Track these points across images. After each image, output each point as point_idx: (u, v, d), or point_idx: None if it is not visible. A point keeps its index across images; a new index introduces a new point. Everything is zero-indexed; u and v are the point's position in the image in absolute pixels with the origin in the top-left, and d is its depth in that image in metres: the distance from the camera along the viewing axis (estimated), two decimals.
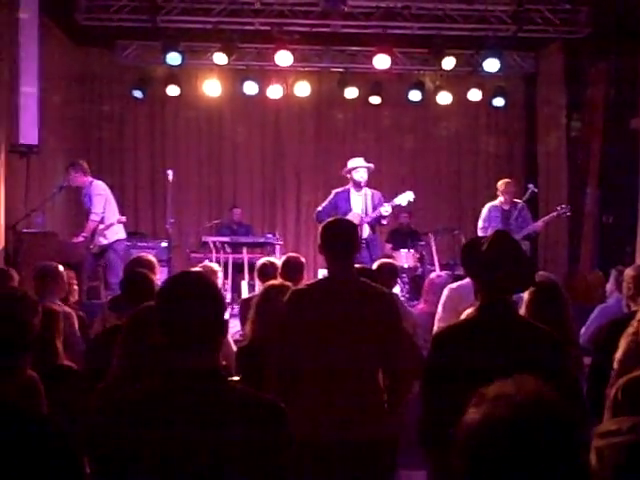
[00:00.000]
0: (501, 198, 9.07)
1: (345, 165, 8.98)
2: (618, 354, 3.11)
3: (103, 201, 8.72)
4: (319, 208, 8.77)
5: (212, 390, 2.11)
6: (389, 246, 10.58)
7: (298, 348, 3.40)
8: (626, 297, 4.66)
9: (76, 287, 6.12)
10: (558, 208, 9.28)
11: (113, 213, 8.83)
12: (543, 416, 1.38)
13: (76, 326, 5.00)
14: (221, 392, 2.12)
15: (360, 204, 8.57)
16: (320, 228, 3.64)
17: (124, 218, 9.11)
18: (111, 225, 8.72)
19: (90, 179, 8.82)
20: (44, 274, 5.31)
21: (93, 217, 8.63)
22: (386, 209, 8.44)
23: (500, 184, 9.20)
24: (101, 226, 8.66)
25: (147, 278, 4.48)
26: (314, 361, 3.39)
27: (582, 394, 2.89)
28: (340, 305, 3.41)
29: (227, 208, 11.91)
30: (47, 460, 2.04)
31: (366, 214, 8.50)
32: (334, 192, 8.80)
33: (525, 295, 3.08)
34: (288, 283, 4.23)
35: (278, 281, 4.47)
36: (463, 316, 3.59)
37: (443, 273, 7.38)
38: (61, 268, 5.40)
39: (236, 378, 3.44)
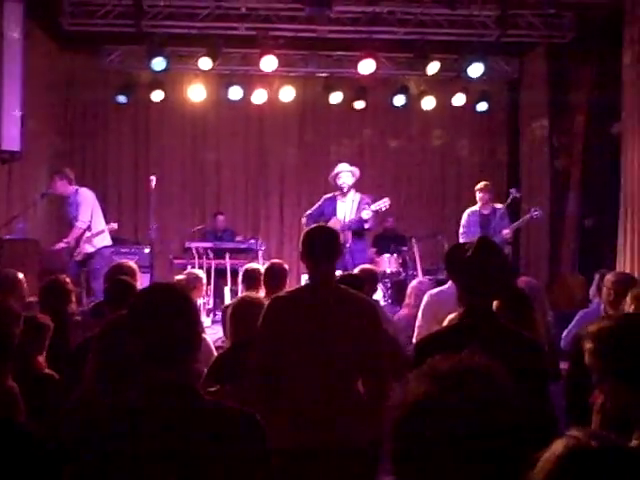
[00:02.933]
0: (479, 202, 9.15)
1: (332, 170, 9.05)
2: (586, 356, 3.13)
3: (90, 209, 8.69)
4: (307, 212, 8.84)
5: (185, 405, 2.09)
6: (373, 250, 10.61)
7: (278, 354, 3.41)
8: (606, 302, 4.69)
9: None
10: (531, 210, 9.36)
11: (99, 220, 8.81)
12: (473, 393, 1.35)
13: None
14: (192, 407, 2.11)
15: (345, 209, 8.61)
16: (302, 235, 3.66)
17: (115, 225, 9.09)
18: (101, 232, 8.70)
19: (75, 187, 8.79)
20: (1, 282, 5.30)
21: (79, 225, 8.59)
22: (367, 213, 8.48)
23: (477, 187, 9.29)
24: (88, 234, 8.63)
25: (129, 285, 4.49)
26: (294, 367, 3.40)
27: (550, 403, 2.90)
28: (320, 312, 3.43)
29: (210, 213, 11.90)
30: (26, 469, 2.05)
31: (350, 219, 8.54)
32: (323, 198, 8.88)
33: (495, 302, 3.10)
34: (258, 296, 4.25)
35: (247, 295, 4.48)
36: (446, 322, 3.61)
37: (425, 279, 7.41)
38: (20, 275, 5.39)
39: (213, 389, 3.44)
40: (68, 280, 5.43)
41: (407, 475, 1.35)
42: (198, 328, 2.24)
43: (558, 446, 1.33)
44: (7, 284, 5.30)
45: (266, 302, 4.09)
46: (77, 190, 8.78)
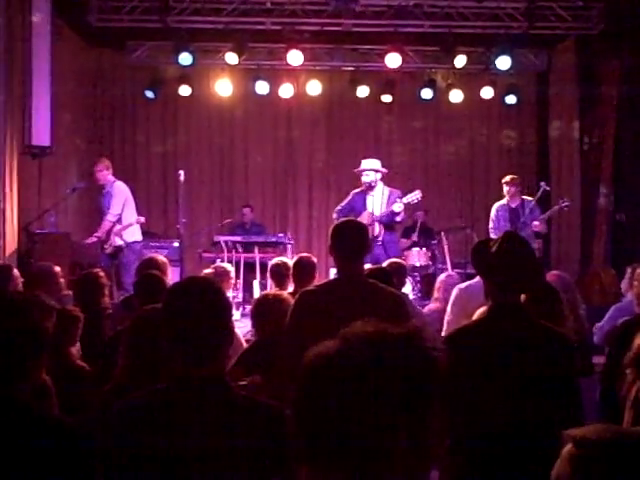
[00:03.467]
0: (506, 195, 9.10)
1: (357, 166, 9.06)
2: (630, 354, 3.09)
3: (122, 202, 8.74)
4: (338, 207, 8.87)
5: (216, 398, 2.11)
6: (404, 240, 10.57)
7: (306, 349, 3.41)
8: (637, 296, 4.64)
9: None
10: (560, 201, 9.30)
11: (131, 214, 8.85)
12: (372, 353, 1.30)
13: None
14: (226, 400, 2.12)
15: (375, 203, 8.61)
16: (330, 229, 3.66)
17: (143, 219, 9.14)
18: (129, 225, 8.75)
19: (113, 179, 8.87)
20: (39, 276, 5.35)
21: (109, 217, 8.66)
22: (398, 206, 8.48)
23: (503, 180, 9.24)
24: (118, 226, 8.69)
25: (159, 279, 4.53)
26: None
27: (579, 400, 2.88)
28: (348, 306, 3.42)
29: (239, 207, 11.93)
30: (60, 461, 2.07)
31: (380, 212, 8.54)
32: (352, 192, 8.91)
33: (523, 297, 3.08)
34: (282, 293, 4.27)
35: (272, 291, 4.50)
36: (475, 316, 3.60)
37: (454, 273, 7.38)
38: (57, 269, 5.44)
39: (244, 382, 3.45)
40: (102, 274, 5.48)
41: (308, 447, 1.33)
42: (231, 322, 2.25)
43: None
44: (43, 277, 5.36)
45: (290, 297, 4.11)
46: (114, 182, 8.86)
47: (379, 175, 8.81)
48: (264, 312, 4.09)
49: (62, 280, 5.55)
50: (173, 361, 2.16)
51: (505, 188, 9.12)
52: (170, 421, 2.07)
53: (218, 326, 2.17)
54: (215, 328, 2.16)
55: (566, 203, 9.24)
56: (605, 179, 10.74)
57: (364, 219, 8.05)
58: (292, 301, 3.86)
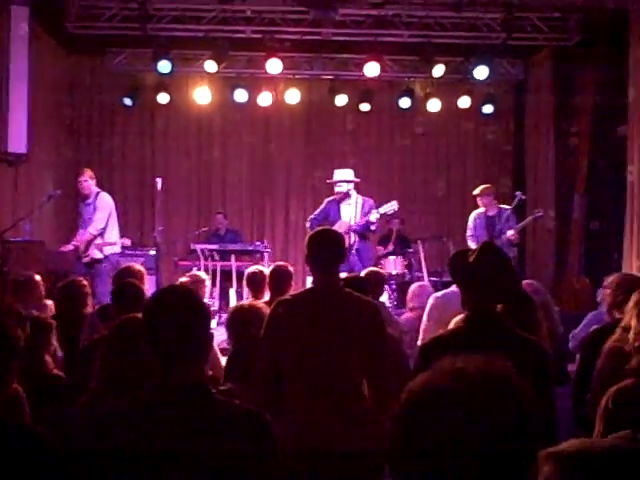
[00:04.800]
0: (481, 206, 9.18)
1: (335, 173, 9.12)
2: (599, 362, 3.13)
3: (106, 216, 8.67)
4: (311, 216, 8.91)
5: (197, 404, 2.13)
6: (381, 248, 10.61)
7: (282, 358, 3.42)
8: (609, 304, 4.67)
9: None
10: (535, 212, 9.41)
11: (114, 229, 8.78)
12: (486, 388, 1.32)
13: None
14: (206, 406, 2.14)
15: (349, 212, 8.68)
16: (306, 238, 3.67)
17: (128, 241, 9.08)
18: (113, 244, 8.69)
19: (97, 189, 8.80)
20: (19, 284, 5.32)
21: (92, 230, 8.56)
22: (374, 216, 8.53)
23: (474, 193, 9.32)
24: (99, 240, 8.61)
25: (137, 288, 4.51)
26: (298, 371, 3.40)
27: (554, 411, 2.91)
28: (324, 315, 3.43)
29: (216, 215, 11.92)
30: (34, 472, 2.06)
31: (354, 222, 8.59)
32: (326, 201, 8.97)
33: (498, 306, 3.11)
34: (257, 303, 4.28)
35: (247, 301, 4.50)
36: (451, 325, 3.62)
37: (426, 283, 7.40)
38: (37, 277, 5.40)
39: (224, 387, 3.45)
40: (85, 283, 5.45)
41: (405, 475, 1.35)
42: (210, 330, 2.29)
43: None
44: (24, 286, 5.32)
45: (265, 306, 4.12)
46: (98, 193, 8.77)
47: (352, 185, 8.91)
48: (239, 322, 4.09)
49: (42, 289, 5.50)
50: (155, 367, 2.17)
51: (478, 200, 9.22)
52: (152, 428, 2.08)
53: (198, 333, 2.20)
54: (195, 335, 2.19)
55: (540, 213, 9.37)
56: (579, 188, 10.85)
57: (340, 228, 8.08)
58: (267, 310, 3.86)
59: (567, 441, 1.39)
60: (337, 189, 8.87)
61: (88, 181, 8.72)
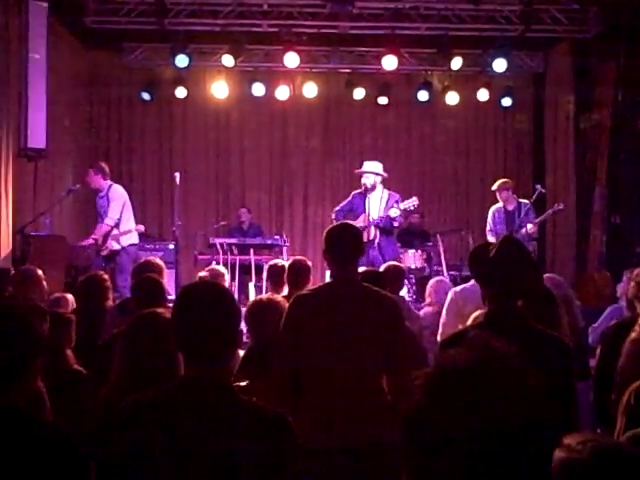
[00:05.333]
0: (500, 201, 9.14)
1: (355, 166, 9.05)
2: (621, 359, 3.10)
3: (121, 206, 8.69)
4: (337, 208, 8.84)
5: (220, 400, 2.13)
6: (398, 245, 10.58)
7: (301, 353, 3.41)
8: (631, 297, 4.63)
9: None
10: (555, 206, 9.33)
11: (129, 219, 8.80)
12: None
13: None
14: (229, 402, 2.14)
15: (375, 206, 8.59)
16: (324, 233, 3.66)
17: (142, 228, 9.11)
18: (128, 232, 8.71)
19: (109, 182, 8.82)
20: (22, 279, 5.34)
21: (108, 221, 8.60)
22: (394, 211, 8.47)
23: (492, 188, 9.27)
24: (115, 231, 8.64)
25: (157, 282, 4.52)
26: (316, 366, 3.40)
27: (576, 405, 2.88)
28: (342, 310, 3.43)
29: (234, 210, 11.94)
30: (56, 467, 2.07)
31: (378, 216, 8.53)
32: (353, 193, 8.88)
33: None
34: (276, 297, 4.27)
35: (266, 296, 4.49)
36: (470, 320, 3.60)
37: (444, 277, 7.38)
38: (39, 272, 5.43)
39: (243, 383, 3.46)
40: (106, 277, 5.47)
41: (419, 470, 1.35)
42: (239, 326, 2.28)
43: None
44: (29, 280, 5.34)
45: (284, 301, 4.11)
46: (111, 186, 8.79)
47: (379, 178, 8.75)
48: (258, 317, 4.09)
49: (45, 283, 5.51)
50: (173, 363, 2.18)
51: (497, 195, 9.17)
52: (174, 421, 2.09)
53: (227, 329, 2.20)
54: (224, 331, 2.18)
55: (560, 207, 9.29)
56: (600, 181, 10.77)
57: (360, 222, 8.05)
58: (286, 305, 3.86)
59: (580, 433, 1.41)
60: (363, 180, 8.72)
61: (93, 177, 8.71)
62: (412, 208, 8.80)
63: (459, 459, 1.30)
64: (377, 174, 8.75)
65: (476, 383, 1.31)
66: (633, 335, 3.18)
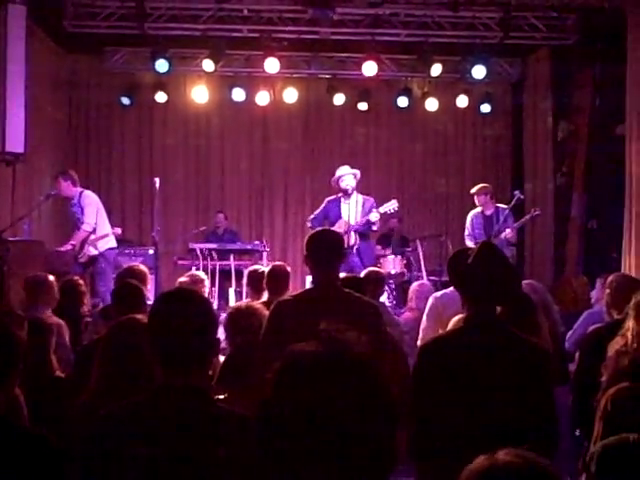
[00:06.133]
0: (478, 205, 9.20)
1: (333, 174, 9.07)
2: (607, 369, 3.12)
3: (95, 211, 8.66)
4: (312, 216, 8.87)
5: (197, 408, 2.12)
6: (379, 247, 10.61)
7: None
8: (607, 304, 4.68)
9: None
10: (532, 211, 9.41)
11: (104, 223, 8.78)
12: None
13: (66, 337, 4.99)
14: (206, 410, 2.14)
15: (350, 211, 8.62)
16: (305, 239, 3.67)
17: (119, 230, 9.08)
18: (105, 236, 8.68)
19: (80, 189, 8.78)
20: (34, 285, 5.31)
21: (85, 227, 8.56)
22: (375, 215, 8.50)
23: (472, 191, 9.34)
24: (93, 236, 8.61)
25: (136, 289, 4.51)
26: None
27: (554, 411, 2.91)
28: (324, 315, 3.42)
29: (214, 215, 11.91)
30: (36, 473, 2.06)
31: (355, 221, 8.55)
32: (326, 200, 8.92)
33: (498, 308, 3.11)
34: (255, 304, 4.26)
35: (244, 303, 4.48)
36: (450, 325, 3.62)
37: (426, 281, 7.42)
38: (51, 278, 5.39)
39: (222, 396, 3.45)
40: (81, 282, 5.45)
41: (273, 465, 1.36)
42: (216, 335, 2.27)
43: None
44: (39, 287, 5.30)
45: (263, 307, 4.11)
46: (82, 192, 8.75)
47: (355, 181, 8.82)
48: (237, 324, 4.08)
49: (56, 291, 5.47)
50: (153, 370, 2.16)
51: (475, 199, 9.24)
52: (151, 430, 2.08)
53: (203, 338, 2.18)
54: (200, 340, 2.17)
55: (537, 212, 9.38)
56: (578, 187, 10.86)
57: (339, 228, 8.06)
58: (265, 312, 3.86)
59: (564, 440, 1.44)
60: (343, 184, 8.73)
61: (62, 184, 8.65)
62: (392, 211, 8.84)
63: (302, 454, 1.33)
64: (354, 174, 8.80)
65: (317, 376, 1.34)
66: (619, 341, 3.20)
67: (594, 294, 6.13)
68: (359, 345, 1.41)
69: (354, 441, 1.33)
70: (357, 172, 8.86)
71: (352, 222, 8.54)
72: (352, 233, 8.48)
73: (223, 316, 7.14)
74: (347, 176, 8.76)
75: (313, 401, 1.31)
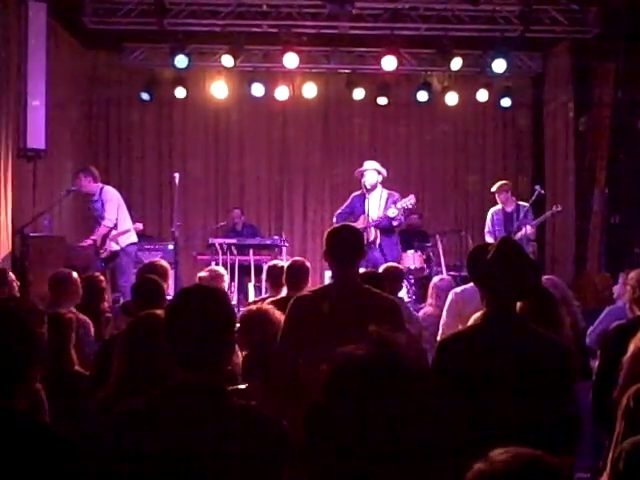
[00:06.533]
0: (499, 202, 9.16)
1: (355, 166, 9.05)
2: (626, 362, 3.08)
3: (116, 207, 8.71)
4: (338, 211, 8.85)
5: (214, 406, 2.12)
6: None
7: (300, 354, 3.41)
8: (630, 300, 4.64)
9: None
10: (553, 208, 9.34)
11: (125, 218, 8.83)
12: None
13: (92, 333, 5.02)
14: (222, 409, 2.13)
15: (375, 206, 8.57)
16: (325, 235, 3.66)
17: (141, 225, 9.13)
18: (127, 231, 8.73)
19: (100, 185, 8.82)
20: (58, 281, 5.34)
21: (106, 223, 8.61)
22: (392, 211, 8.46)
23: (492, 190, 9.29)
24: (114, 232, 8.66)
25: (156, 284, 4.52)
26: (317, 367, 3.39)
27: (576, 408, 2.88)
28: (343, 312, 3.43)
29: (233, 210, 11.94)
30: (52, 470, 2.07)
31: (377, 216, 8.52)
32: (352, 195, 8.88)
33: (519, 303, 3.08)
34: (266, 307, 4.23)
35: (255, 306, 4.45)
36: (470, 321, 3.60)
37: (447, 276, 7.39)
38: (75, 275, 5.42)
39: (242, 386, 3.45)
40: (102, 278, 5.48)
41: (322, 468, 1.35)
42: (233, 334, 2.26)
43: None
44: (63, 283, 5.33)
45: (272, 308, 4.09)
46: (102, 188, 8.80)
47: (380, 177, 8.74)
48: (249, 326, 4.06)
49: (80, 287, 5.49)
50: (172, 365, 2.17)
51: (497, 197, 9.20)
52: (167, 427, 2.08)
53: (220, 336, 2.18)
54: (217, 338, 2.17)
55: (559, 209, 9.30)
56: (599, 182, 10.77)
57: (359, 223, 8.04)
58: (276, 313, 3.86)
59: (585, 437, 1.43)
60: (366, 179, 8.65)
61: (82, 180, 8.70)
62: (409, 206, 8.77)
63: (355, 456, 1.31)
64: (379, 172, 8.74)
65: (370, 379, 1.32)
66: (638, 343, 3.16)
67: (616, 289, 6.07)
68: (409, 348, 1.40)
69: (406, 445, 1.31)
70: (382, 170, 8.79)
71: (374, 217, 8.49)
72: (372, 229, 8.44)
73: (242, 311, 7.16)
74: (370, 172, 8.68)
75: (367, 404, 1.30)
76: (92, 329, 5.03)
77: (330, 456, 1.34)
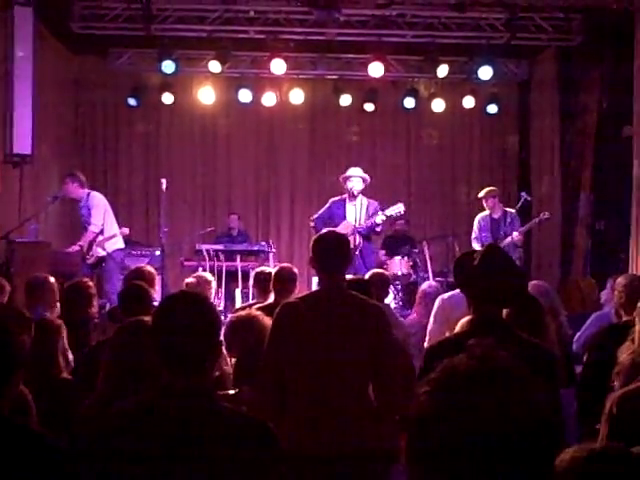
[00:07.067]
0: (486, 209, 9.20)
1: (342, 172, 9.06)
2: (617, 371, 3.10)
3: (102, 213, 8.70)
4: (315, 215, 8.84)
5: (201, 408, 2.13)
6: (382, 252, 10.59)
7: (288, 360, 3.41)
8: (617, 306, 4.67)
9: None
10: (541, 215, 9.40)
11: (112, 224, 8.82)
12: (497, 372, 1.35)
13: (65, 338, 4.99)
14: (209, 412, 2.14)
15: (354, 213, 8.61)
16: (312, 241, 3.66)
17: (127, 230, 9.11)
18: (113, 237, 8.72)
19: (87, 191, 8.81)
20: (33, 287, 5.31)
21: (92, 228, 8.60)
22: (380, 218, 8.49)
23: (479, 196, 9.33)
24: (100, 237, 8.64)
25: (142, 290, 4.51)
26: (303, 374, 3.40)
27: (560, 415, 2.89)
28: (329, 318, 3.43)
29: (221, 216, 11.93)
30: (39, 473, 2.07)
31: (359, 223, 8.54)
32: (331, 200, 8.88)
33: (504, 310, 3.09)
34: (255, 313, 4.23)
35: (241, 313, 4.45)
36: (457, 327, 3.61)
37: (434, 283, 7.41)
38: (52, 279, 5.40)
39: (232, 392, 3.45)
40: (91, 284, 5.46)
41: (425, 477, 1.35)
42: (219, 337, 2.29)
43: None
44: (39, 288, 5.31)
45: (260, 315, 4.10)
46: (89, 194, 8.79)
47: (363, 185, 8.79)
48: (237, 333, 4.06)
49: (56, 292, 5.47)
50: (158, 371, 2.18)
51: (483, 203, 9.25)
52: (154, 430, 2.08)
53: (206, 340, 2.20)
54: (203, 341, 2.19)
55: (546, 216, 9.37)
56: (585, 188, 10.84)
57: (344, 229, 8.05)
58: (264, 319, 3.86)
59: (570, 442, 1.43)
60: (350, 185, 8.70)
61: (69, 186, 8.70)
62: (398, 214, 8.83)
63: (461, 468, 1.31)
64: (364, 179, 8.78)
65: (480, 392, 1.32)
66: (630, 346, 3.18)
67: (604, 295, 6.11)
68: (512, 364, 1.40)
69: (512, 460, 1.32)
70: (367, 177, 8.83)
71: (356, 224, 8.52)
72: (356, 235, 8.46)
73: (229, 317, 7.15)
74: (355, 179, 8.73)
75: (474, 418, 1.30)
76: (65, 333, 4.99)
77: (438, 466, 1.34)
